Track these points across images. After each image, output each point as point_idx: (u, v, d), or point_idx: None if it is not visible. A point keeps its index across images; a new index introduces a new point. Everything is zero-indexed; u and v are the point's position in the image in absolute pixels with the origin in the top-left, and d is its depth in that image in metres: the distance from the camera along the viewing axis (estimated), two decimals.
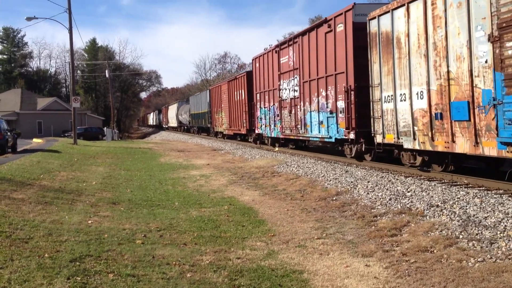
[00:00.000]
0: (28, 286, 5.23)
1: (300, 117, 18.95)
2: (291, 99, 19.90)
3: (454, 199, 9.05)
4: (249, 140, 28.83)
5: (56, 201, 10.59)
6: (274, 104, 22.33)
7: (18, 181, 12.60)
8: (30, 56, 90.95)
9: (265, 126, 24.05)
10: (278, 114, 21.64)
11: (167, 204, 11.02)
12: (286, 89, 20.49)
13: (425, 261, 6.23)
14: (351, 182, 12.16)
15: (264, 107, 23.92)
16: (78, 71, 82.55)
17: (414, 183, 11.09)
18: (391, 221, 8.28)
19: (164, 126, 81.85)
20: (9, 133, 24.83)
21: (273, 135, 23.21)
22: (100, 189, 13.02)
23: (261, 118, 24.76)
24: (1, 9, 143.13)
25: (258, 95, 24.86)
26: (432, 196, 9.49)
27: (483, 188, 10.12)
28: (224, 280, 5.77)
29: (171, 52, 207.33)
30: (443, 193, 9.62)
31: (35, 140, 40.97)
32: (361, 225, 8.40)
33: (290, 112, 20.05)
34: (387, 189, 10.74)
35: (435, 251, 6.59)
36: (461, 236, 6.99)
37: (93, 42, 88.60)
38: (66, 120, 56.21)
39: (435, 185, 10.66)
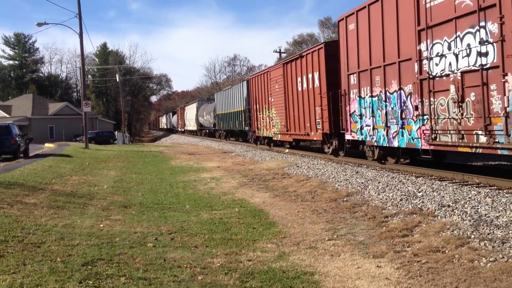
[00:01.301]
0: None
1: (505, 107, 9.49)
2: (462, 73, 10.61)
3: (466, 198, 8.99)
4: (326, 150, 19.25)
5: (68, 205, 10.68)
6: (400, 89, 12.99)
7: (30, 185, 12.73)
8: (41, 61, 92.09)
9: (372, 129, 14.62)
10: (416, 106, 12.33)
11: (178, 207, 11.06)
12: (443, 56, 11.19)
13: (436, 261, 6.20)
14: (362, 183, 12.13)
15: (371, 96, 14.53)
16: (89, 76, 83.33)
17: (425, 183, 11.03)
18: (402, 222, 8.24)
19: (179, 129, 73.88)
20: (21, 138, 25.11)
21: (395, 144, 13.51)
22: (112, 193, 13.11)
23: (360, 115, 15.36)
24: (12, 15, 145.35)
25: (353, 77, 15.67)
26: (443, 196, 9.44)
27: (495, 187, 10.04)
28: (235, 283, 5.78)
29: (181, 56, 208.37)
30: (454, 193, 9.56)
31: (47, 145, 41.33)
32: (372, 226, 8.37)
33: (460, 100, 10.70)
34: (398, 190, 10.70)
35: (446, 251, 6.55)
36: (472, 236, 6.94)
37: (104, 46, 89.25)
38: (78, 124, 56.74)
39: (446, 185, 10.59)
